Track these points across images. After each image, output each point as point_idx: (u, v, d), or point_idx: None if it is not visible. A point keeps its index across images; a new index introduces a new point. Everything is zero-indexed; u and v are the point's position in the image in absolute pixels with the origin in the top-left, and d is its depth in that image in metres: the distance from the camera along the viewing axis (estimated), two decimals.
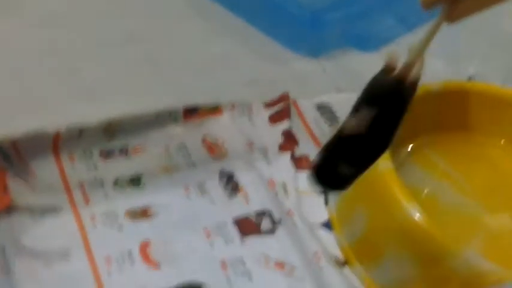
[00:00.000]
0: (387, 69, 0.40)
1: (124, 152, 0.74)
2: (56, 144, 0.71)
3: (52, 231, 0.65)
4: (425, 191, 0.77)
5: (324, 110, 0.86)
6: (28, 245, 0.63)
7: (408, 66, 0.40)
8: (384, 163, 0.68)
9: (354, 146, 0.41)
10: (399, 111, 0.40)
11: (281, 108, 0.82)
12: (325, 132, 0.84)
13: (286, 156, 0.78)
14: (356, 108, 0.40)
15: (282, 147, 0.79)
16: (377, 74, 0.41)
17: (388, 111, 0.40)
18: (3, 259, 0.61)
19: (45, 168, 0.70)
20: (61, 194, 0.68)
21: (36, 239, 0.64)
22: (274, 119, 0.81)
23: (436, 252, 0.63)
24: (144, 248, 0.66)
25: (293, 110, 0.83)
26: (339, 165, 0.42)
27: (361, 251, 0.71)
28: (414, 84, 0.40)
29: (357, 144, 0.41)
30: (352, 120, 0.39)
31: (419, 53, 0.41)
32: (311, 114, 0.84)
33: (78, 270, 0.62)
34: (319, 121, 0.84)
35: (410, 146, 0.80)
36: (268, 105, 0.83)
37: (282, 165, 0.78)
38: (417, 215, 0.63)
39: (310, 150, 0.81)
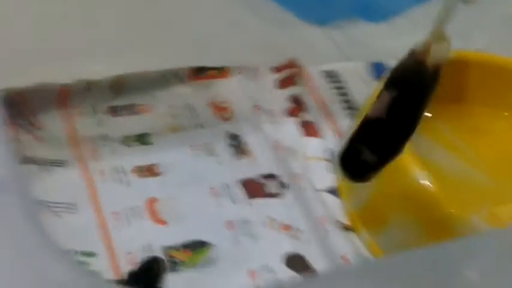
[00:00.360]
0: (413, 52, 0.39)
1: (131, 109, 0.73)
2: (63, 97, 0.71)
3: (60, 185, 0.64)
4: (432, 161, 0.77)
5: (332, 77, 0.85)
6: (37, 198, 0.62)
7: (427, 48, 0.39)
8: None
9: (375, 132, 0.39)
10: (420, 96, 0.39)
11: (289, 74, 0.82)
12: (333, 100, 0.84)
13: (294, 121, 0.78)
14: (379, 93, 0.39)
15: (290, 112, 0.78)
16: (403, 56, 0.39)
17: (407, 96, 0.39)
18: None
19: (53, 121, 0.69)
20: (68, 148, 0.68)
21: (45, 191, 0.63)
22: (282, 84, 0.81)
23: (442, 219, 0.63)
24: (151, 204, 0.65)
25: (300, 76, 0.82)
26: (361, 152, 0.40)
27: (366, 217, 0.71)
28: (437, 67, 0.39)
29: (378, 130, 0.39)
30: (374, 104, 0.39)
31: (436, 34, 0.39)
32: (319, 81, 0.84)
33: (86, 223, 0.62)
34: (327, 88, 0.84)
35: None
36: (276, 70, 0.82)
37: (289, 130, 0.77)
38: (425, 181, 0.64)
39: (318, 117, 0.81)
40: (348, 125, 0.82)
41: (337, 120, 0.82)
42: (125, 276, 0.53)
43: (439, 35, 0.39)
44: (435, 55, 0.38)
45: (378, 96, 0.39)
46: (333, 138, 0.80)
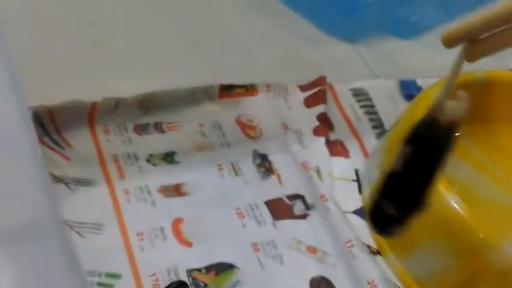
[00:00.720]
0: (430, 109, 0.40)
1: (158, 127, 0.73)
2: (91, 116, 0.71)
3: (86, 204, 0.64)
4: (462, 182, 0.76)
5: (360, 95, 0.85)
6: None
7: (440, 105, 0.40)
8: None
9: (396, 186, 0.40)
10: (436, 151, 0.39)
11: (317, 92, 0.81)
12: (361, 118, 0.83)
13: (321, 141, 0.77)
14: (399, 148, 0.39)
15: (317, 132, 0.78)
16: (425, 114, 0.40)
17: (423, 151, 0.39)
18: None
19: (80, 140, 0.69)
20: (95, 167, 0.68)
21: (70, 211, 0.63)
22: (310, 102, 0.80)
23: (474, 244, 0.62)
24: (176, 225, 0.65)
25: (329, 94, 0.82)
26: (384, 206, 0.41)
27: (394, 241, 0.69)
28: (452, 123, 0.39)
29: (398, 184, 0.40)
30: (395, 159, 0.39)
31: (448, 92, 0.40)
32: (347, 100, 0.83)
33: (111, 244, 0.62)
34: (355, 107, 0.83)
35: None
36: (304, 88, 0.82)
37: (317, 150, 0.77)
38: (456, 205, 0.62)
39: (345, 136, 0.80)
40: (374, 145, 0.81)
41: (364, 139, 0.81)
42: None
43: (451, 92, 0.39)
44: (449, 112, 0.39)
45: (398, 152, 0.38)
46: (360, 158, 0.79)
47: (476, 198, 0.73)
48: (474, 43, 0.39)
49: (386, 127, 0.83)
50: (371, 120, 0.83)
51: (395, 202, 0.40)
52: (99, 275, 0.59)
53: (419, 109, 0.70)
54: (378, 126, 0.83)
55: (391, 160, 0.70)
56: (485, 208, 0.71)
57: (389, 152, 0.72)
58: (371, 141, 0.81)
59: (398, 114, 0.77)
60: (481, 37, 0.39)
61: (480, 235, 0.61)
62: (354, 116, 0.83)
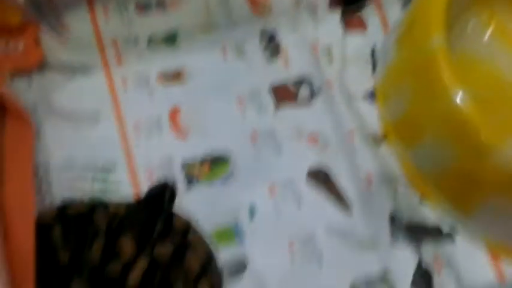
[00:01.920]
0: None
1: (161, 5, 0.70)
2: None
3: (83, 93, 0.64)
4: (492, 64, 0.71)
5: None
6: (58, 106, 0.63)
7: None
8: (438, 38, 0.62)
9: None
10: None
11: None
12: None
13: (336, 16, 0.73)
14: None
15: (333, 2, 0.73)
16: None
17: None
18: (35, 119, 0.62)
19: (79, 21, 0.68)
20: (93, 52, 0.67)
21: (67, 100, 0.64)
22: None
23: (476, 145, 0.59)
24: (173, 114, 0.65)
25: None
26: None
27: (402, 128, 0.68)
28: None
29: None
30: None
31: None
32: None
33: (107, 135, 0.63)
34: None
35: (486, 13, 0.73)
36: None
37: (330, 26, 0.73)
38: (461, 103, 0.59)
39: (365, 6, 0.74)
40: (397, 17, 0.75)
41: (387, 9, 0.75)
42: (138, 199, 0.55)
43: None
44: None
45: None
46: (379, 34, 0.74)
47: (502, 83, 0.69)
48: None
49: None
50: None
51: None
52: (95, 167, 0.61)
53: None
54: None
55: (412, 35, 0.65)
56: (493, 104, 0.67)
57: (411, 24, 0.67)
58: (395, 12, 0.76)
59: None
60: None
61: (483, 136, 0.58)
62: None
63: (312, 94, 0.68)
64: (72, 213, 0.54)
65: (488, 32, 0.74)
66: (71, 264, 0.52)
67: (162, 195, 0.55)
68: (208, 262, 0.55)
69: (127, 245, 0.51)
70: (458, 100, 0.60)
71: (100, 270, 0.51)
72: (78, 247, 0.53)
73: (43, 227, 0.53)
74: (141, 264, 0.51)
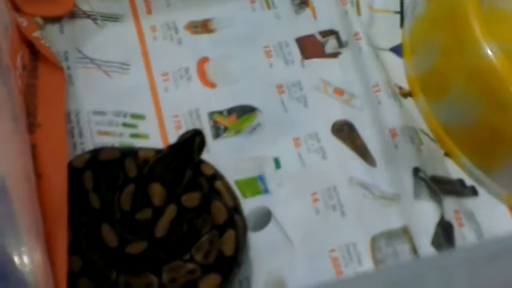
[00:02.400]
0: None
1: None
2: None
3: (113, 42, 0.65)
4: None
5: None
6: (89, 55, 0.64)
7: None
8: None
9: None
10: None
11: None
12: None
13: None
14: None
15: None
16: None
17: None
18: (66, 66, 0.63)
19: None
20: (124, 1, 0.67)
21: (97, 49, 0.64)
22: None
23: (503, 97, 0.59)
24: (201, 65, 0.66)
25: None
26: None
27: (428, 82, 0.68)
28: None
29: None
30: None
31: None
32: None
33: (137, 84, 0.64)
34: None
35: None
36: None
37: None
38: (491, 54, 0.59)
39: None
40: None
41: None
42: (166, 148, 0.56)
43: None
44: None
45: None
46: None
47: None
48: None
49: None
50: None
51: None
52: (125, 115, 0.62)
53: None
54: None
55: None
56: None
57: None
58: None
59: None
60: None
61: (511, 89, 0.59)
62: None
63: (340, 45, 0.68)
64: (103, 158, 0.55)
65: None
66: (102, 209, 0.53)
67: (191, 144, 0.56)
68: (235, 210, 0.56)
69: (157, 192, 0.53)
70: (488, 53, 0.59)
71: (130, 215, 0.53)
72: (109, 192, 0.54)
73: (75, 171, 0.55)
74: (170, 212, 0.52)
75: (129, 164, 0.55)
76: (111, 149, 0.57)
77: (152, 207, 0.53)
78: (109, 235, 0.51)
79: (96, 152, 0.56)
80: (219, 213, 0.53)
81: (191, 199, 0.54)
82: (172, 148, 0.57)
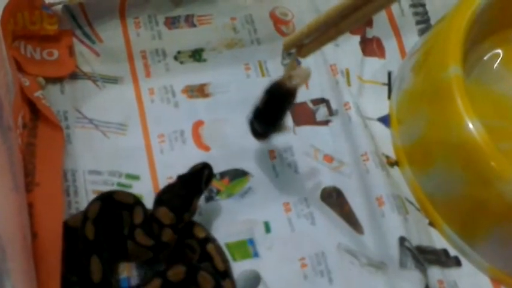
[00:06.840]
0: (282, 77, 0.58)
1: (189, 21, 0.73)
2: (122, 7, 0.71)
3: (112, 103, 0.67)
4: (504, 92, 0.74)
5: None
6: (88, 115, 0.66)
7: (286, 77, 0.58)
8: (454, 68, 0.65)
9: (260, 115, 0.61)
10: (279, 105, 0.59)
11: None
12: (405, 13, 0.79)
13: (356, 39, 0.75)
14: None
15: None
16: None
17: (271, 103, 0.59)
18: (65, 126, 0.65)
19: (111, 33, 0.71)
20: (124, 64, 0.69)
21: (96, 109, 0.66)
22: None
23: (485, 172, 0.62)
24: (196, 127, 0.67)
25: None
26: (255, 125, 0.62)
27: (413, 153, 0.70)
28: (293, 90, 0.58)
29: (261, 114, 0.61)
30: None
31: (289, 72, 0.58)
32: None
33: (133, 145, 0.65)
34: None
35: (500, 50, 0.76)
36: None
37: (350, 49, 0.75)
38: (473, 129, 0.62)
39: (383, 33, 0.77)
40: (414, 43, 0.78)
41: (404, 37, 0.79)
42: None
43: (290, 73, 0.57)
44: (295, 83, 0.57)
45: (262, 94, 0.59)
46: (396, 59, 0.77)
47: (499, 115, 0.72)
48: (301, 47, 0.57)
49: (432, 22, 0.80)
50: (416, 14, 0.80)
51: (261, 124, 0.61)
52: (120, 175, 0.64)
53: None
54: (423, 21, 0.80)
55: (429, 63, 0.68)
56: (504, 132, 0.70)
57: (427, 53, 0.70)
58: (412, 39, 0.79)
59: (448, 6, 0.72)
60: (306, 42, 0.56)
61: (492, 164, 0.61)
62: (397, 9, 0.79)
63: (330, 114, 0.71)
64: (118, 199, 0.59)
65: (499, 61, 0.77)
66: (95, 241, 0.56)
67: (200, 175, 0.58)
68: (225, 273, 0.57)
69: (165, 213, 0.56)
70: (470, 128, 0.62)
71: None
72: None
73: (70, 230, 0.56)
74: (154, 285, 0.54)
75: (138, 211, 0.57)
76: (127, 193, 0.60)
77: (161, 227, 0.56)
78: (96, 268, 0.53)
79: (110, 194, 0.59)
80: (206, 283, 0.55)
81: (177, 273, 0.55)
82: (181, 178, 0.58)
